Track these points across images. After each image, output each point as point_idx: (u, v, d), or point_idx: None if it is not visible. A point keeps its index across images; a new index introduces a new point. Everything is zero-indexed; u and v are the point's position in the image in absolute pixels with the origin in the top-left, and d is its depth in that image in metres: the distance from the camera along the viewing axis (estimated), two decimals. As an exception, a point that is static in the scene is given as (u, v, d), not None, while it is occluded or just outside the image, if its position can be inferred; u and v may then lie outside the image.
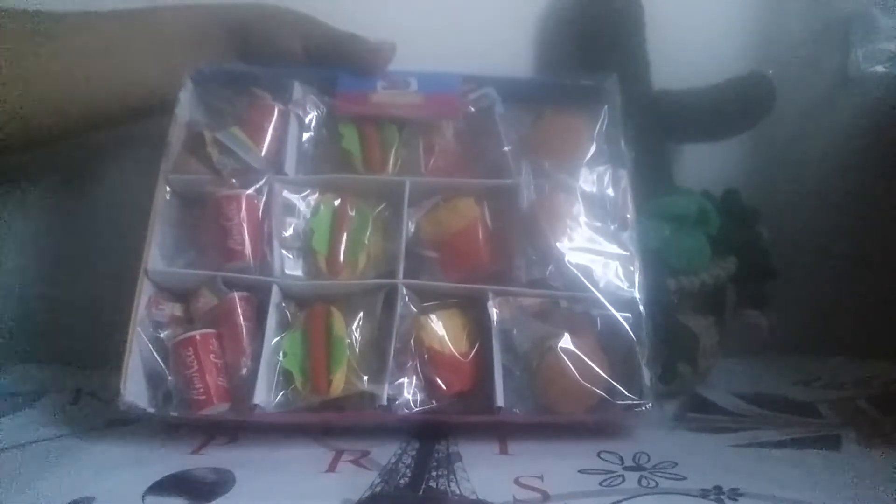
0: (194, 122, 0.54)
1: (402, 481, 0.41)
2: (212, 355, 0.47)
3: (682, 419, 0.54)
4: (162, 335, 0.49)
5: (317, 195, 0.53)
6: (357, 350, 0.48)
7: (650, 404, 0.46)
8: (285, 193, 0.53)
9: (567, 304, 0.49)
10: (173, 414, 0.47)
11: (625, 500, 0.39)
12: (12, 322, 0.71)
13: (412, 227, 0.52)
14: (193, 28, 0.57)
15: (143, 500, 0.40)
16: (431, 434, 0.48)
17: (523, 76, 0.60)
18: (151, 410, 0.47)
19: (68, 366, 0.66)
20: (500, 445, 0.47)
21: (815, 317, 0.68)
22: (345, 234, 0.52)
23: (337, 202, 0.53)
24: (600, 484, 0.41)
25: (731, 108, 0.62)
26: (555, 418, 0.48)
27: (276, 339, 0.48)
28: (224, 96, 0.55)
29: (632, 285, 0.50)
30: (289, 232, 0.52)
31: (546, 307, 0.49)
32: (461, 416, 0.47)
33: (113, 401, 0.46)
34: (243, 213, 0.50)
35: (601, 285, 0.49)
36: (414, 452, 0.45)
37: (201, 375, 0.47)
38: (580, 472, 0.43)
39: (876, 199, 0.68)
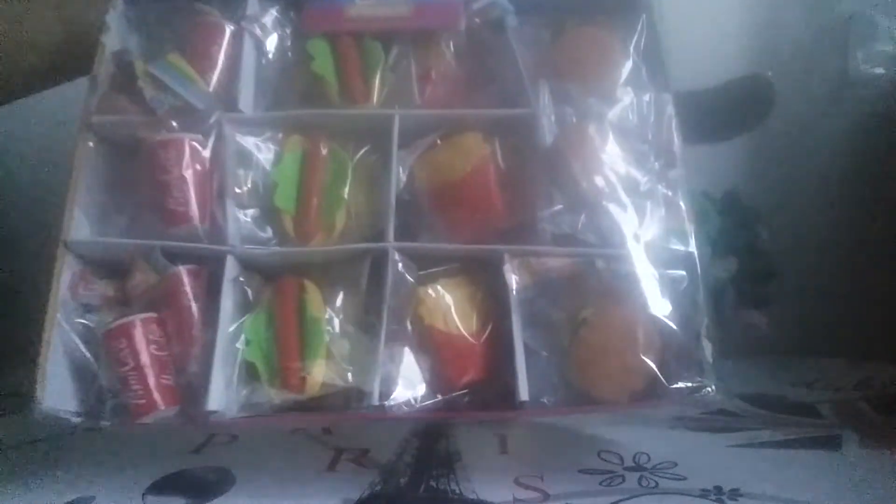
0: (125, 52, 0.43)
1: (402, 480, 0.41)
2: (153, 347, 0.39)
3: (682, 419, 0.54)
4: (92, 323, 0.40)
5: (280, 137, 0.43)
6: (338, 334, 0.39)
7: (713, 386, 0.38)
8: (239, 137, 0.43)
9: (605, 264, 0.40)
10: (104, 423, 0.38)
11: (625, 500, 0.39)
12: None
13: (404, 175, 0.42)
14: None
15: (143, 499, 0.40)
16: (432, 433, 0.48)
17: None
18: (76, 420, 0.38)
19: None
20: (500, 444, 0.47)
21: (815, 318, 0.68)
22: (317, 187, 0.42)
23: (306, 146, 0.43)
24: (600, 484, 0.41)
25: (732, 109, 0.62)
26: (593, 409, 0.40)
27: (233, 326, 0.40)
28: (162, 16, 0.45)
29: (685, 237, 0.41)
30: (246, 187, 0.42)
31: (578, 269, 0.40)
32: (474, 415, 0.41)
33: (29, 407, 0.38)
34: (185, 163, 0.40)
35: (646, 239, 0.40)
36: (414, 451, 0.45)
37: (139, 373, 0.38)
38: (580, 471, 0.43)
39: (876, 200, 0.68)
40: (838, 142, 0.69)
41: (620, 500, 0.39)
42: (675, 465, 0.44)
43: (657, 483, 0.41)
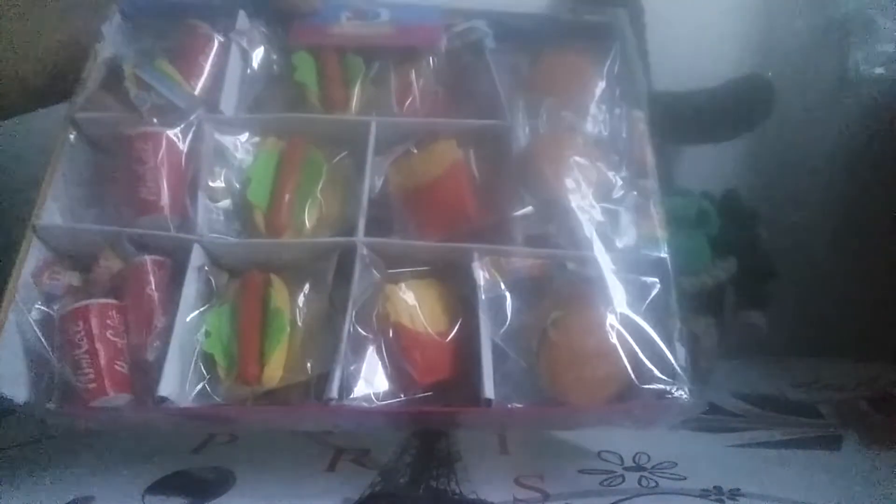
0: (116, 58, 0.44)
1: (401, 480, 0.41)
2: (109, 332, 0.38)
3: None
4: (53, 311, 0.39)
5: (258, 138, 0.44)
6: (300, 327, 0.39)
7: (686, 389, 0.37)
8: (218, 136, 0.43)
9: (576, 266, 0.40)
10: (49, 406, 0.37)
11: (625, 500, 0.39)
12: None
13: (378, 180, 0.43)
14: None
15: (143, 499, 0.40)
16: (432, 433, 0.47)
17: (517, 10, 0.49)
18: (20, 403, 0.37)
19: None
20: (501, 444, 0.47)
21: (816, 318, 0.68)
22: (290, 185, 0.42)
23: (283, 146, 0.44)
24: (600, 484, 0.41)
25: (731, 110, 0.62)
26: (563, 412, 0.40)
27: (193, 314, 0.39)
28: (157, 29, 0.46)
29: (657, 243, 0.41)
30: (219, 182, 0.42)
31: (549, 271, 0.40)
32: (438, 411, 0.39)
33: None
34: (161, 155, 0.41)
35: (618, 243, 0.40)
36: (414, 451, 0.44)
37: (93, 357, 0.37)
38: (580, 472, 0.43)
39: (875, 200, 0.68)
40: (838, 142, 0.69)
41: (620, 500, 0.39)
42: (675, 465, 0.44)
43: (657, 483, 0.41)
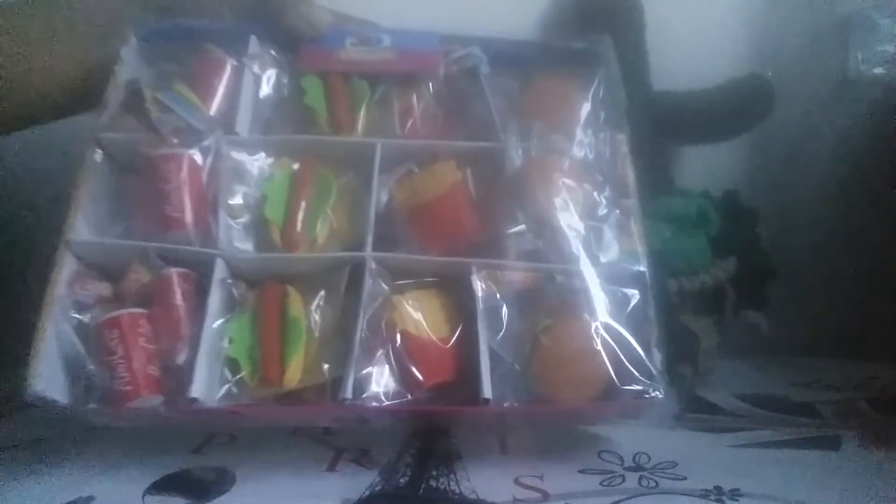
0: (135, 80, 0.47)
1: (401, 480, 0.41)
2: (141, 339, 0.41)
3: (682, 419, 0.54)
4: (86, 319, 0.42)
5: (272, 159, 0.47)
6: (317, 335, 0.42)
7: (661, 391, 0.41)
8: (235, 155, 0.46)
9: (563, 278, 0.43)
10: (92, 406, 0.40)
11: (625, 500, 0.39)
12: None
13: (384, 196, 0.46)
14: (106, 9, 0.49)
15: (143, 499, 0.40)
16: (432, 433, 0.47)
17: (510, 37, 0.53)
18: (64, 403, 0.40)
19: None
20: (501, 444, 0.47)
21: (815, 318, 0.68)
22: (303, 203, 0.45)
23: (295, 167, 0.47)
24: (600, 484, 0.41)
25: (731, 109, 0.62)
26: (552, 410, 0.43)
27: (219, 322, 0.42)
28: (172, 53, 0.49)
29: (637, 257, 0.45)
30: (237, 199, 0.46)
31: (540, 283, 0.44)
32: (443, 408, 0.43)
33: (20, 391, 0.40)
34: (184, 174, 0.44)
35: (602, 258, 0.44)
36: (414, 451, 0.44)
37: (127, 362, 0.40)
38: (580, 472, 0.43)
39: (875, 201, 0.68)
40: (838, 142, 0.69)
41: (620, 500, 0.39)
42: (675, 465, 0.44)
43: (657, 483, 0.41)
